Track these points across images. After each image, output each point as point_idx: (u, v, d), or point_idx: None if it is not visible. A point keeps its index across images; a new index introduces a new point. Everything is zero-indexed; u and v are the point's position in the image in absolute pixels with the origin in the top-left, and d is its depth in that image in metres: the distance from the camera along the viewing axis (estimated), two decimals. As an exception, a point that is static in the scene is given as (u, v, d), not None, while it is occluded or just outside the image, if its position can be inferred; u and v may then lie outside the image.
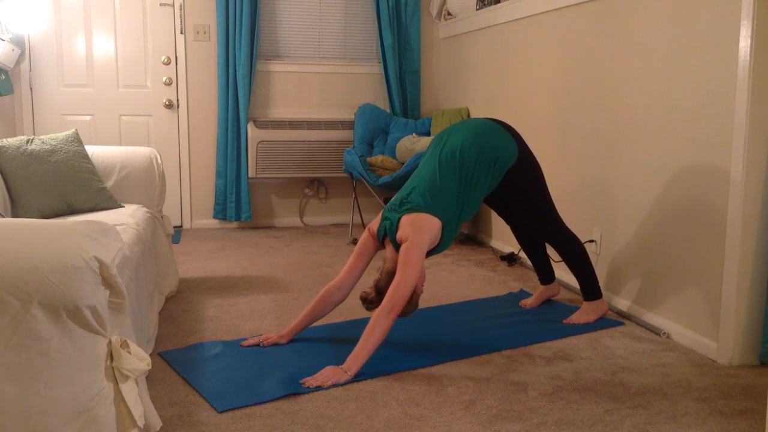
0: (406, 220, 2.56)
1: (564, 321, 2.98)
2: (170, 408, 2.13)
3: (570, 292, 3.49)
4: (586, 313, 3.01)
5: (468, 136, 2.73)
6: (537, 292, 3.28)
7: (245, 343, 2.66)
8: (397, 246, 2.56)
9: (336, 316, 3.00)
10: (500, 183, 2.77)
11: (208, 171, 5.12)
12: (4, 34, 4.38)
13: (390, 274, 2.54)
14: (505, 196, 2.89)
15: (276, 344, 2.65)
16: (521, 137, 2.86)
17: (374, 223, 2.69)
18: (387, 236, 2.61)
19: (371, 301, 2.58)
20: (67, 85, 4.84)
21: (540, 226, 3.00)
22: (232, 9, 4.85)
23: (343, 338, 2.72)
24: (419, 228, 2.53)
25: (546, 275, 3.27)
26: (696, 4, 2.68)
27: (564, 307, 3.22)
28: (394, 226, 2.58)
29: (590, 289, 3.02)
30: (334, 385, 2.30)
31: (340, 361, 2.42)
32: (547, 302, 3.28)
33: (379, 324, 2.40)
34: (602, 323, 2.98)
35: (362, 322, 2.52)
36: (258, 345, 2.65)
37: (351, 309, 3.02)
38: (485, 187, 2.73)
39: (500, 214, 3.25)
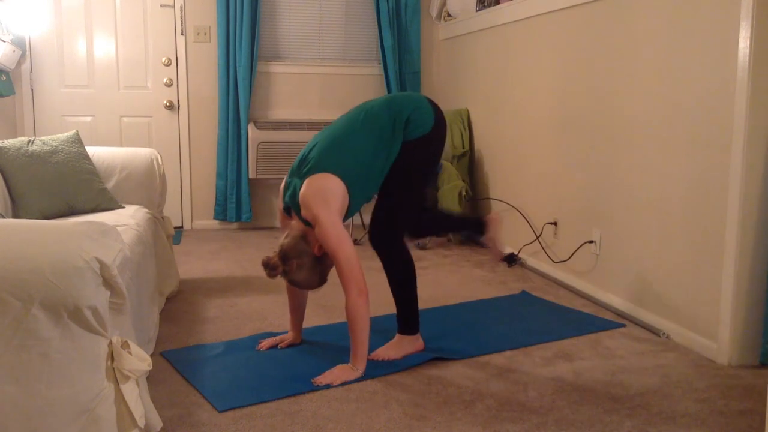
0: (304, 192, 2.34)
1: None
2: (171, 408, 2.14)
3: (569, 292, 3.49)
4: (396, 346, 2.56)
5: (381, 100, 2.54)
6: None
7: (263, 342, 2.67)
8: (299, 214, 2.39)
9: (334, 317, 3.01)
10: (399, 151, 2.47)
11: (209, 172, 5.12)
12: (5, 36, 4.39)
13: (295, 239, 2.37)
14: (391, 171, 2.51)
15: (292, 345, 2.67)
16: (444, 123, 2.58)
17: (279, 202, 2.54)
18: (290, 206, 2.43)
19: (273, 266, 2.36)
20: (68, 86, 4.85)
21: (389, 219, 2.52)
22: (232, 10, 4.86)
23: (342, 338, 2.72)
24: (321, 200, 2.32)
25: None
26: (695, 6, 2.68)
27: (564, 307, 3.22)
28: (298, 191, 2.38)
29: (409, 319, 2.59)
30: (345, 383, 2.32)
31: (339, 360, 2.43)
32: (548, 303, 3.27)
33: (356, 313, 2.33)
34: (602, 324, 2.99)
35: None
36: (275, 346, 2.65)
37: (351, 309, 3.02)
38: (393, 152, 2.45)
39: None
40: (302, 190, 2.36)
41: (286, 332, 2.74)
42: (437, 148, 2.57)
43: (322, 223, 2.31)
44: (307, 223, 2.38)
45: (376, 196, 2.60)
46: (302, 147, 4.93)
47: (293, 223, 2.45)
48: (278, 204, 2.55)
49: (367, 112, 2.50)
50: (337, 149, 2.41)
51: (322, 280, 2.48)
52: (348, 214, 2.45)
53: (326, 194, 2.34)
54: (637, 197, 3.05)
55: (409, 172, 2.51)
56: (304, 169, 2.41)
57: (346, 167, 2.39)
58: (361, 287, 2.32)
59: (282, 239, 2.42)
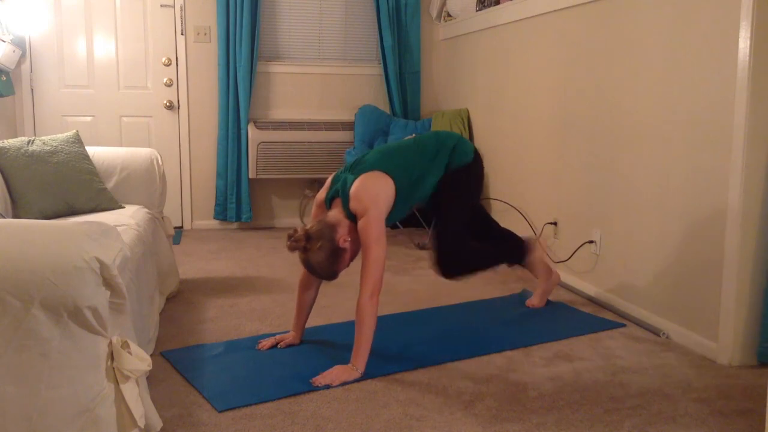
0: (358, 185, 2.48)
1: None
2: (171, 408, 2.14)
3: (570, 293, 3.49)
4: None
5: (430, 133, 2.82)
6: (538, 288, 3.25)
7: (263, 342, 2.67)
8: (346, 207, 2.48)
9: (335, 317, 3.01)
10: (442, 175, 2.70)
11: (209, 172, 5.12)
12: (5, 36, 4.39)
13: (326, 225, 2.44)
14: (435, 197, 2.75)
15: (291, 345, 2.67)
16: (482, 162, 2.85)
17: (322, 193, 2.66)
18: (338, 196, 2.54)
19: (297, 239, 2.41)
20: (68, 86, 4.85)
21: (440, 241, 2.73)
22: (232, 10, 4.86)
23: (342, 338, 2.72)
24: (373, 196, 2.46)
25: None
26: (695, 6, 2.69)
27: (564, 307, 3.23)
28: (348, 184, 2.51)
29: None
30: (344, 383, 2.32)
31: (339, 360, 2.43)
32: (548, 303, 3.27)
33: (365, 313, 2.38)
34: (602, 324, 2.98)
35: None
36: (275, 346, 2.66)
37: (350, 310, 3.02)
38: (439, 171, 2.67)
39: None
40: (356, 183, 2.49)
41: (287, 332, 2.74)
42: (478, 178, 2.83)
43: (370, 215, 2.43)
44: (350, 216, 2.48)
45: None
46: (302, 147, 5.03)
47: (331, 212, 2.54)
48: (319, 194, 2.66)
49: (417, 139, 2.75)
50: (393, 158, 2.61)
51: (332, 273, 2.50)
52: (389, 218, 2.55)
53: (377, 192, 2.49)
54: (638, 197, 3.05)
55: (455, 197, 2.72)
56: (359, 167, 2.56)
57: (400, 174, 2.56)
58: (375, 289, 2.40)
59: (312, 222, 2.50)
